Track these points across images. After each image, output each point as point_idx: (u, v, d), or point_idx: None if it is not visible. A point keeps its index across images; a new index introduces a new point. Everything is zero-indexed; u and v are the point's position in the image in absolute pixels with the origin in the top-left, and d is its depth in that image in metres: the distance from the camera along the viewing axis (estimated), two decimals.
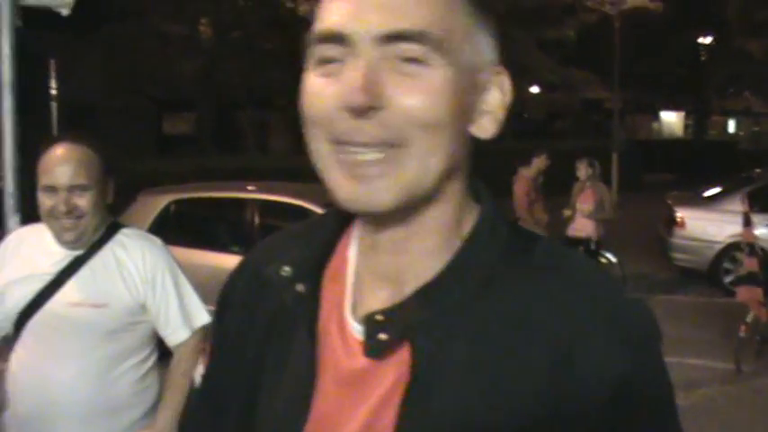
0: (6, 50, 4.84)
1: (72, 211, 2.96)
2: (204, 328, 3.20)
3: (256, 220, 8.64)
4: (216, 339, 1.38)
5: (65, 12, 5.11)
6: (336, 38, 1.10)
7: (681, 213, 13.43)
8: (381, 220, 1.16)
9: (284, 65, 23.66)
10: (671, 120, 51.42)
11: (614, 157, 25.13)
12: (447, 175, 1.14)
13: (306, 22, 1.17)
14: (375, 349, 1.14)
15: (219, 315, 1.37)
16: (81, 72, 21.25)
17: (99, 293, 3.02)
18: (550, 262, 1.19)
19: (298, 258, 1.24)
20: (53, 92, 13.29)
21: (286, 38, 23.55)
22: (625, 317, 1.16)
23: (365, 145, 1.09)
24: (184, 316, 3.16)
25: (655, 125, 51.76)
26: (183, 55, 23.98)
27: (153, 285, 3.09)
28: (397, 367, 1.14)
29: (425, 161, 1.10)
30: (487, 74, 1.17)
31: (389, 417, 1.12)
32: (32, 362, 3.06)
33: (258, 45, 24.51)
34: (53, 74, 13.51)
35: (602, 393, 1.10)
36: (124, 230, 3.17)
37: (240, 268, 1.38)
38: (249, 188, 9.10)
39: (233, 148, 26.42)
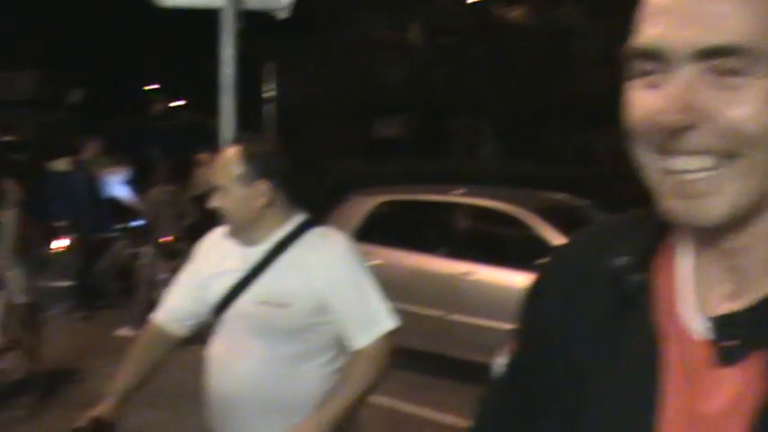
0: (229, 52, 5.00)
1: (217, 210, 3.14)
2: (388, 336, 3.12)
3: (464, 223, 8.60)
4: (525, 330, 1.37)
5: (282, 15, 5.23)
6: (654, 54, 1.08)
7: None
8: (708, 230, 1.12)
9: (493, 70, 23.59)
10: None
11: None
12: None
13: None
14: (728, 356, 1.10)
15: (531, 306, 1.36)
16: (295, 76, 21.84)
17: (282, 293, 3.06)
18: None
19: (631, 250, 1.21)
20: (269, 94, 13.69)
21: (495, 43, 23.47)
22: None
23: (690, 153, 1.07)
24: (366, 321, 3.10)
25: None
26: (394, 60, 24.26)
27: (335, 287, 3.08)
28: (743, 376, 1.09)
29: (752, 176, 1.06)
30: None
31: (736, 428, 1.07)
32: (221, 353, 3.18)
33: (467, 50, 24.51)
34: (269, 77, 13.94)
35: None
36: (314, 230, 3.18)
37: (556, 259, 1.38)
38: (458, 192, 9.07)
39: (441, 152, 26.52)
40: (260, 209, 3.11)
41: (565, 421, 1.23)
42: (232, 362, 3.13)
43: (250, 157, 3.09)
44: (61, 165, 12.08)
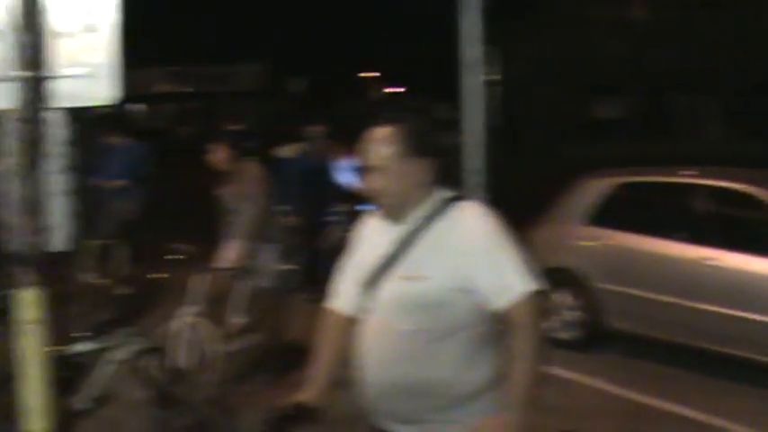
0: (474, 32, 5.04)
1: (371, 191, 3.22)
2: (531, 298, 3.06)
3: (707, 207, 8.19)
4: None
5: None
6: None
7: None
8: None
9: (720, 45, 22.63)
10: None
11: None
12: None
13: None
14: None
15: None
16: (516, 58, 21.69)
17: (421, 267, 3.09)
18: None
19: None
20: (493, 77, 13.60)
21: (722, 15, 22.54)
22: None
23: None
24: (503, 286, 3.06)
25: None
26: (613, 39, 23.73)
27: (469, 256, 3.07)
28: None
29: None
30: None
31: None
32: (369, 332, 3.22)
33: (691, 27, 23.62)
34: (493, 59, 13.84)
35: None
36: (456, 204, 3.21)
37: None
38: (699, 173, 8.67)
39: (664, 133, 25.69)
40: (416, 186, 3.18)
41: None
42: (378, 340, 3.18)
43: (409, 135, 3.17)
44: (287, 151, 12.37)
